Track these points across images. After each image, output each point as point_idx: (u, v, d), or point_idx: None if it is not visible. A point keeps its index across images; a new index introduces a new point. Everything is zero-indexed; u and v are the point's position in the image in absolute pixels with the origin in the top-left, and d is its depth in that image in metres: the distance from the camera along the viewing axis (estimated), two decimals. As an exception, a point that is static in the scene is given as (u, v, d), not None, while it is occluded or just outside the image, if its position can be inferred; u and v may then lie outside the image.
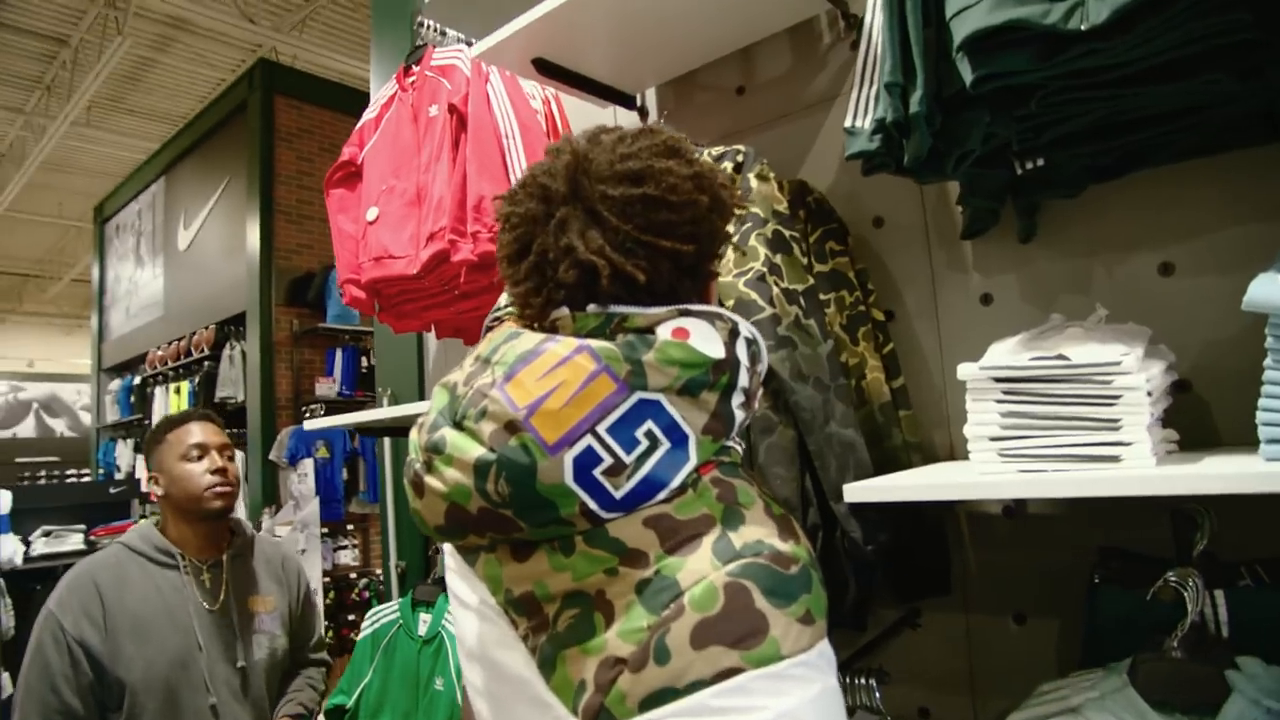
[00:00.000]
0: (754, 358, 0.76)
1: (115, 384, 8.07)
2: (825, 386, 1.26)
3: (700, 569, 0.64)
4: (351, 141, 2.13)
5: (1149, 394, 0.98)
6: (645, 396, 0.68)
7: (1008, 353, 1.11)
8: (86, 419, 13.22)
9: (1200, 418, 1.23)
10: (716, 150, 1.42)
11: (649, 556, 0.66)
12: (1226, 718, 0.92)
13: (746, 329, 0.76)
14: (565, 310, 0.75)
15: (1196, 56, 0.98)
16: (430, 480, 0.71)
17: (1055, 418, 1.02)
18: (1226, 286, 1.20)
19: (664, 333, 0.71)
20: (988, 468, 1.06)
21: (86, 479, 6.82)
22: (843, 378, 1.29)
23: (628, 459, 0.67)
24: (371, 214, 1.97)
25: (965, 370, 1.09)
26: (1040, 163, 1.25)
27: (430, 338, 2.52)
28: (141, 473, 6.44)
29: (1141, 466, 0.96)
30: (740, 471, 0.75)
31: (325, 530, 5.25)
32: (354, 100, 6.15)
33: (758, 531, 0.67)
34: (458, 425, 0.71)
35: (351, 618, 5.52)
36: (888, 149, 1.20)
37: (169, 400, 6.58)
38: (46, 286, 13.93)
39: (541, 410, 0.66)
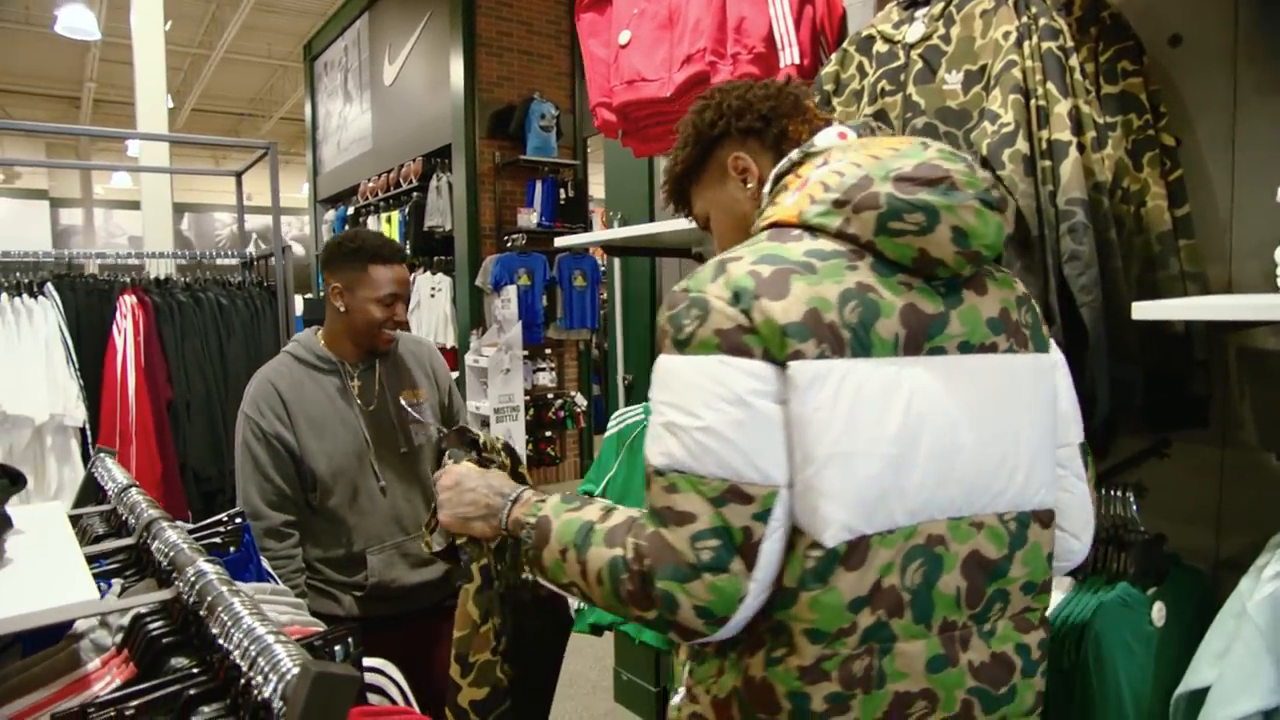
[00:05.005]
0: None
1: (330, 214, 8.80)
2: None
3: None
4: (600, -36, 2.17)
5: None
6: None
7: (1333, 177, 1.07)
8: (297, 249, 14.70)
9: None
10: None
11: None
12: None
13: None
14: None
15: None
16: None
17: (1389, 242, 1.00)
18: None
19: None
20: (1301, 291, 1.05)
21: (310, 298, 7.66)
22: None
23: None
24: (623, 38, 2.04)
25: (1288, 192, 1.06)
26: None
27: (662, 163, 2.61)
28: (424, 291, 6.74)
29: None
30: None
31: (526, 353, 5.70)
32: (552, -72, 6.08)
33: None
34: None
35: (549, 434, 6.07)
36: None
37: (381, 229, 7.15)
38: (259, 125, 15.08)
39: None
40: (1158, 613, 1.24)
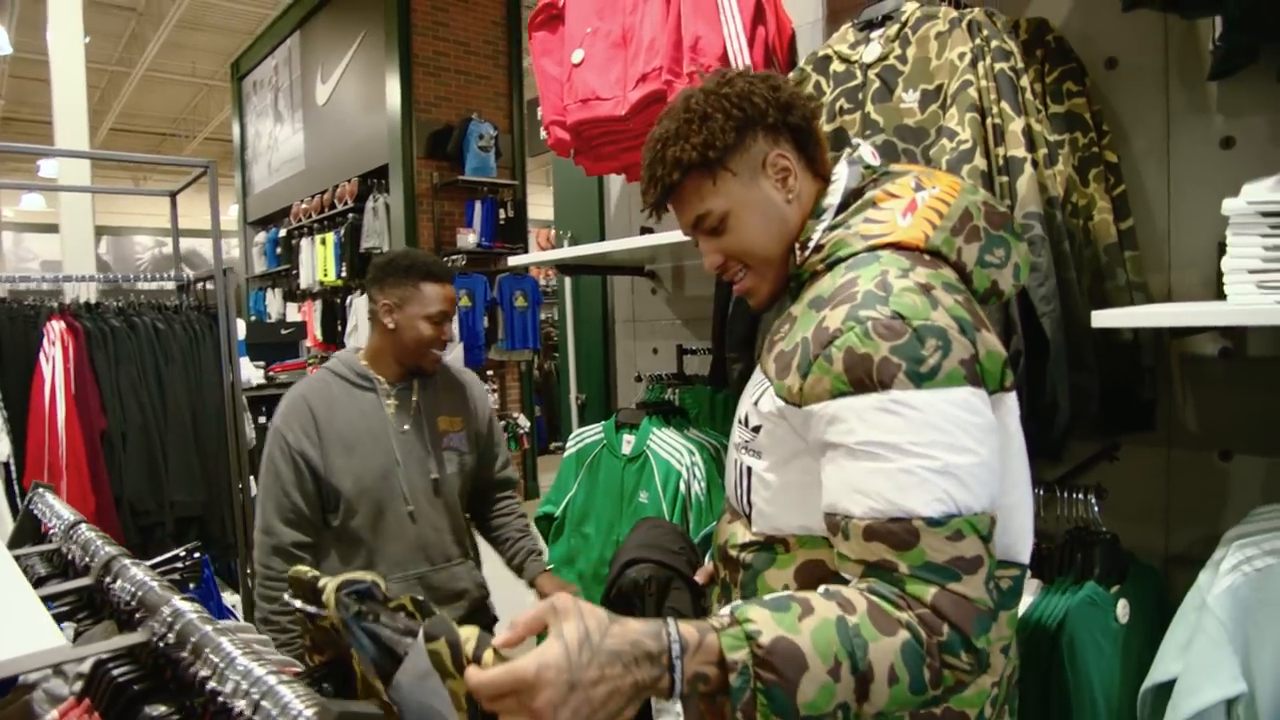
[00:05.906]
0: None
1: (261, 236, 8.57)
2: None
3: None
4: (552, -16, 2.17)
5: None
6: None
7: (1269, 190, 1.13)
8: (225, 270, 14.23)
9: None
10: None
11: None
12: None
13: None
14: None
15: None
16: None
17: (1325, 251, 1.06)
18: None
19: None
20: (1246, 299, 1.11)
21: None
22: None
23: None
24: (577, 56, 2.04)
25: (1231, 205, 1.12)
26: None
27: (612, 182, 2.62)
28: (361, 313, 6.78)
29: None
30: None
31: (469, 374, 5.61)
32: (488, -53, 6.07)
33: None
34: None
35: (494, 455, 5.98)
36: (1160, -20, 1.19)
37: (315, 251, 6.98)
38: (183, 145, 14.61)
39: None
40: (1122, 610, 1.29)
